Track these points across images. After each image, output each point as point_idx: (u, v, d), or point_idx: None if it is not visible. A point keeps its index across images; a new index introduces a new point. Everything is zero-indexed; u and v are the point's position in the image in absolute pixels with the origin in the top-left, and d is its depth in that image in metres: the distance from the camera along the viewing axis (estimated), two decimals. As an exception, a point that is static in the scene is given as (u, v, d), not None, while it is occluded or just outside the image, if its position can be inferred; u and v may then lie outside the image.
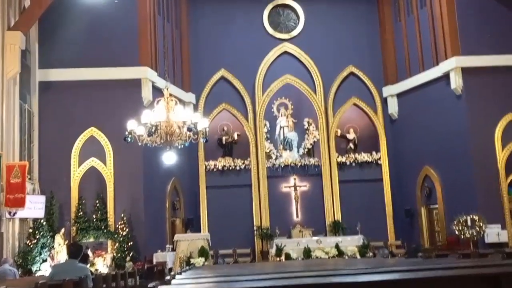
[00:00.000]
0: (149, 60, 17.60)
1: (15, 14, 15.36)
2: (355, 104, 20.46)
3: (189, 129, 10.81)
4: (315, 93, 20.33)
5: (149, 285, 3.74)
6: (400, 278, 3.93)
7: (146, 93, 17.24)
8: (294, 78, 20.40)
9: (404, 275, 4.13)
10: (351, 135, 20.47)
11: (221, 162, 19.83)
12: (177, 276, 5.61)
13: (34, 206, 15.04)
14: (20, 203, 13.95)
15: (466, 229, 16.32)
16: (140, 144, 11.30)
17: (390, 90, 20.27)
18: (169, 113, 10.91)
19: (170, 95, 11.67)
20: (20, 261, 14.63)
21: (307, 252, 16.28)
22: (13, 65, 14.81)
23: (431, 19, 18.72)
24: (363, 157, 20.05)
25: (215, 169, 19.78)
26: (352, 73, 20.58)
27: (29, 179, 15.51)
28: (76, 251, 7.57)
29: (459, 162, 17.51)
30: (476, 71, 17.50)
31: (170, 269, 15.69)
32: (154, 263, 16.54)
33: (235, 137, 20.28)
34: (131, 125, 11.05)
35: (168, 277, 4.67)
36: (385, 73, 20.59)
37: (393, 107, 20.25)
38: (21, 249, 14.93)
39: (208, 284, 4.21)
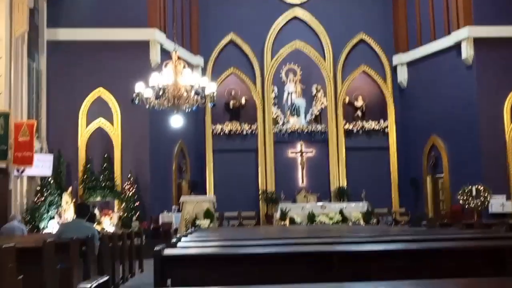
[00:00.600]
0: (157, 21, 17.43)
1: (24, -28, 15.14)
2: (364, 72, 20.28)
3: (197, 93, 10.76)
4: (324, 59, 20.15)
5: (155, 248, 3.77)
6: (404, 248, 3.94)
7: (154, 55, 17.12)
8: (303, 44, 20.18)
9: (407, 245, 4.14)
10: (359, 103, 20.35)
11: (228, 126, 19.82)
12: (182, 239, 5.66)
13: (42, 165, 15.11)
14: (28, 161, 14.02)
15: (470, 199, 16.33)
16: (147, 106, 11.28)
17: (400, 59, 20.05)
18: (177, 77, 10.85)
19: (179, 58, 11.60)
20: (28, 217, 14.81)
21: (311, 217, 16.39)
22: (22, 23, 14.66)
23: (445, -14, 18.37)
24: (371, 125, 19.98)
25: (222, 133, 19.78)
26: (362, 40, 20.33)
27: (37, 137, 15.56)
28: (83, 211, 7.66)
29: (467, 133, 17.43)
30: (488, 42, 17.27)
31: (176, 230, 15.88)
32: (160, 223, 16.74)
33: (243, 101, 20.21)
34: (139, 87, 11.01)
35: (174, 240, 4.71)
36: (396, 41, 20.33)
37: (402, 76, 20.07)
38: (29, 206, 15.10)
39: (212, 249, 4.24)
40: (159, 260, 3.73)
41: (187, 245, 4.80)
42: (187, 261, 3.81)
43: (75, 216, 7.67)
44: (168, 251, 3.92)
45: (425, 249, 3.96)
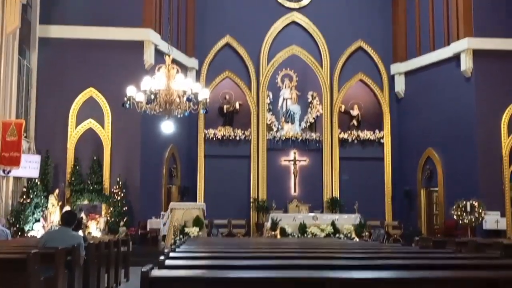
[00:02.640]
0: (153, 22, 17.42)
1: (17, -33, 15.08)
2: (361, 80, 20.33)
3: (189, 99, 10.75)
4: (321, 66, 20.18)
5: (142, 269, 3.75)
6: (396, 277, 3.95)
7: (148, 56, 17.11)
8: (300, 50, 20.21)
9: (400, 273, 4.15)
10: (355, 112, 20.38)
11: (221, 131, 19.79)
12: (171, 254, 5.65)
13: (29, 166, 15.08)
14: (15, 162, 13.98)
15: (464, 214, 16.39)
16: (138, 111, 11.26)
17: (398, 68, 20.13)
18: (170, 82, 10.83)
19: (172, 61, 11.59)
20: (13, 220, 14.75)
21: (302, 228, 16.36)
22: (13, 19, 14.63)
23: (446, -3, 18.47)
24: (366, 134, 20.01)
25: (214, 138, 19.74)
26: (360, 48, 20.38)
27: (25, 137, 15.50)
28: (70, 219, 7.61)
29: (463, 146, 17.50)
30: (488, 54, 17.37)
31: (164, 237, 15.85)
32: (148, 229, 16.69)
33: (237, 106, 20.19)
34: (130, 91, 10.99)
35: (162, 257, 4.70)
36: (394, 50, 20.41)
37: (400, 86, 20.14)
38: (14, 207, 15.03)
39: (201, 270, 4.24)
40: (147, 283, 3.72)
41: (176, 264, 4.79)
42: (175, 284, 3.81)
43: (61, 224, 7.59)
44: (156, 273, 3.91)
45: (417, 278, 3.97)
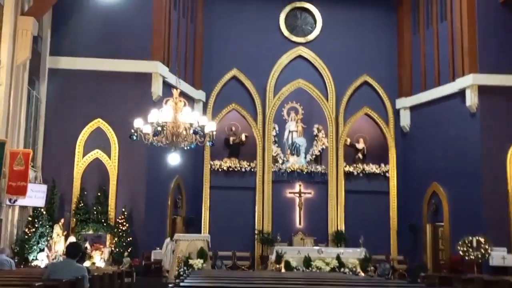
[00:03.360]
0: (161, 54, 17.62)
1: (30, 0, 15.38)
2: (366, 114, 20.41)
3: (195, 132, 10.81)
4: (327, 99, 20.29)
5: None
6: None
7: (156, 88, 17.25)
8: (306, 83, 20.36)
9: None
10: (360, 145, 20.40)
11: (227, 163, 19.82)
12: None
13: (35, 195, 15.10)
14: (22, 191, 14.01)
15: (471, 250, 16.24)
16: (146, 142, 11.32)
17: (404, 103, 20.21)
18: (177, 114, 10.92)
19: (180, 94, 11.70)
20: (17, 249, 14.72)
21: (307, 262, 16.25)
22: (24, 51, 14.86)
23: (451, 33, 18.62)
24: (371, 168, 20.00)
25: (220, 169, 19.76)
26: (366, 82, 20.52)
27: (32, 166, 15.57)
28: (74, 251, 7.58)
29: (469, 181, 17.42)
30: (493, 90, 17.42)
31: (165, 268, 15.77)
32: (152, 260, 16.60)
33: (243, 138, 20.26)
34: (138, 123, 11.08)
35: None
36: (400, 84, 20.52)
37: (405, 120, 20.19)
38: (19, 237, 15.02)
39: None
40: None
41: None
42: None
43: (66, 256, 7.58)
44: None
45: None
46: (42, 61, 16.91)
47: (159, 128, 10.76)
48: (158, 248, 16.60)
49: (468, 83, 17.54)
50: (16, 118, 14.73)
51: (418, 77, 19.95)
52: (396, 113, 20.40)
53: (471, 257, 16.17)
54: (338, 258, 16.42)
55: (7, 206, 14.36)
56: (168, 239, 16.36)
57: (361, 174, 20.01)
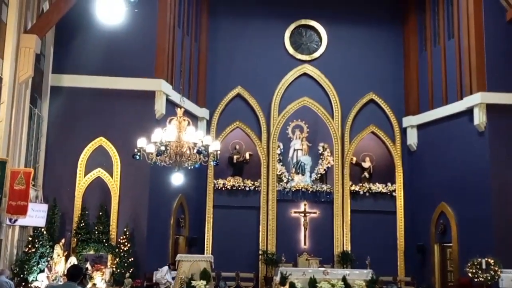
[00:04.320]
0: (165, 72, 17.65)
1: (33, 18, 15.46)
2: (373, 132, 20.37)
3: (199, 152, 10.77)
4: (333, 118, 20.27)
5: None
6: None
7: (160, 106, 17.25)
8: (311, 101, 20.36)
9: None
10: (366, 164, 20.34)
11: (231, 182, 19.76)
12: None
13: (36, 214, 15.02)
14: (22, 211, 13.92)
15: (480, 272, 16.10)
16: (149, 162, 11.29)
17: (411, 121, 20.17)
18: (181, 133, 10.89)
19: (184, 113, 11.68)
20: (17, 269, 14.61)
21: (312, 283, 16.10)
22: (27, 68, 14.86)
23: (458, 51, 18.63)
24: (378, 187, 19.92)
25: (223, 188, 19.70)
26: (372, 100, 20.52)
27: (33, 185, 15.52)
28: (76, 274, 7.47)
29: (477, 201, 17.31)
30: (501, 109, 17.40)
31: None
32: (154, 281, 16.47)
33: (247, 156, 20.21)
34: (141, 142, 11.04)
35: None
36: (407, 103, 20.52)
37: (412, 139, 20.12)
38: (19, 257, 14.91)
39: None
40: None
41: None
42: None
43: (66, 277, 7.51)
44: None
45: None
46: (44, 79, 16.95)
47: (163, 148, 10.73)
48: (160, 269, 16.45)
49: (476, 101, 17.50)
50: (17, 136, 14.71)
51: (425, 95, 19.93)
52: (403, 131, 20.36)
53: (480, 279, 16.03)
54: (344, 279, 16.26)
55: (7, 226, 14.28)
56: (165, 268, 16.12)
57: (367, 194, 19.92)
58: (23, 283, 14.51)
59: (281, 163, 20.20)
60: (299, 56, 20.81)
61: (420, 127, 20.02)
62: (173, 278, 15.80)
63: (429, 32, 20.19)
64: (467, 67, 18.01)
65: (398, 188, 19.98)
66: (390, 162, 20.32)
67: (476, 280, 16.18)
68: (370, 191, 19.92)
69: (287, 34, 20.91)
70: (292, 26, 21.00)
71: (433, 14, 20.18)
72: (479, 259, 16.13)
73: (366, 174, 20.24)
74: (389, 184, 20.01)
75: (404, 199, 19.89)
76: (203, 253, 18.62)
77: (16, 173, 14.07)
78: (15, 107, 14.51)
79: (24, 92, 15.10)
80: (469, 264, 16.31)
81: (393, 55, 20.87)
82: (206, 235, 19.31)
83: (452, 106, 18.61)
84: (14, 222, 14.23)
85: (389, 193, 19.95)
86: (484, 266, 16.05)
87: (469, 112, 17.90)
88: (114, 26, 16.96)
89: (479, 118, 17.43)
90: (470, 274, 16.25)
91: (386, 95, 20.48)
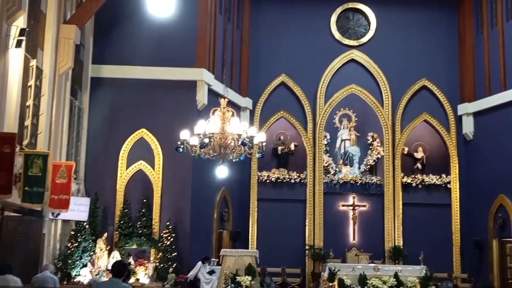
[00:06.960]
0: (206, 61, 17.72)
1: (72, 8, 15.76)
2: (425, 121, 20.06)
3: (244, 144, 10.80)
4: (382, 106, 20.02)
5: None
6: None
7: (201, 96, 17.35)
8: (360, 89, 20.15)
9: None
10: (419, 154, 20.06)
11: (275, 174, 19.79)
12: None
13: (78, 208, 15.36)
14: (65, 205, 14.24)
15: (542, 269, 15.70)
16: (192, 154, 11.37)
17: (466, 108, 19.77)
18: (225, 125, 10.93)
19: (228, 103, 11.70)
20: (60, 264, 15.00)
21: (363, 280, 16.02)
22: (67, 59, 15.15)
23: (518, 33, 18.14)
24: (431, 179, 19.63)
25: (268, 181, 19.74)
26: (424, 87, 20.18)
27: (75, 179, 15.87)
28: (120, 270, 7.60)
29: (540, 194, 16.88)
30: None
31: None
32: (198, 276, 16.63)
33: (292, 147, 20.19)
34: (184, 135, 11.13)
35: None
36: (462, 89, 20.11)
37: (468, 127, 19.73)
38: (61, 252, 15.31)
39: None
40: None
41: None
42: None
43: (111, 273, 7.65)
44: None
45: None
46: (84, 70, 17.25)
47: (206, 140, 10.79)
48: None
49: (537, 86, 17.03)
50: (58, 129, 15.03)
51: (482, 81, 19.47)
52: (458, 119, 19.98)
53: (544, 276, 15.63)
54: (396, 276, 16.12)
55: (49, 220, 14.67)
56: (199, 263, 16.07)
57: (420, 186, 19.67)
58: (66, 278, 14.91)
59: (328, 154, 20.11)
60: (346, 42, 20.59)
61: (476, 114, 19.60)
62: (210, 273, 15.87)
63: (485, 13, 19.66)
64: (528, 50, 17.54)
65: (454, 180, 19.63)
66: (445, 152, 19.97)
67: (538, 277, 15.81)
68: (423, 183, 19.66)
69: (333, 18, 20.70)
70: (338, 10, 20.77)
71: (490, -6, 19.69)
72: (542, 255, 15.74)
73: (418, 165, 19.97)
74: (443, 175, 19.69)
75: (459, 191, 19.55)
76: (248, 248, 18.75)
77: (58, 166, 14.37)
78: (56, 100, 14.83)
79: (64, 84, 15.42)
80: (531, 261, 15.94)
81: (447, 38, 20.44)
82: (250, 229, 19.41)
83: (511, 92, 18.14)
84: (57, 216, 14.59)
85: (443, 185, 19.64)
86: (547, 263, 15.65)
87: (529, 98, 17.45)
88: (154, 15, 17.28)
89: (541, 105, 16.98)
90: (532, 271, 15.89)
91: (439, 82, 20.10)
